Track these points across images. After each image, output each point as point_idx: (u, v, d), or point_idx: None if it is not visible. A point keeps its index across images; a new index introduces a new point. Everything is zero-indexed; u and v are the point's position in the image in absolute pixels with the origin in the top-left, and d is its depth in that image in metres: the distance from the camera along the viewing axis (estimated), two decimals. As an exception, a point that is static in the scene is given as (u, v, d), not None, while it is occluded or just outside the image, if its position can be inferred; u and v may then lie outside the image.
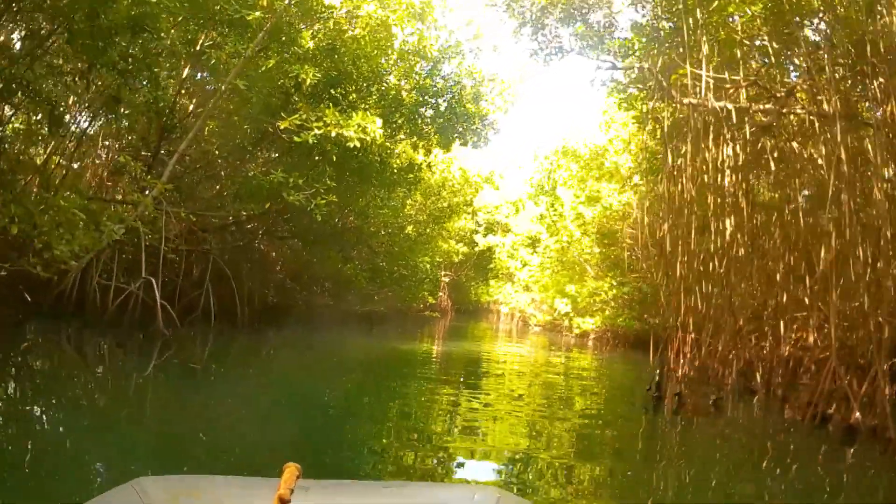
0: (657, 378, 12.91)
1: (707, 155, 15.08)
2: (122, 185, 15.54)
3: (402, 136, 20.07)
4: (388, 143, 19.03)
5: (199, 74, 18.17)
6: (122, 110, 14.77)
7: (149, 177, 14.42)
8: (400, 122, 18.64)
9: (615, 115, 29.68)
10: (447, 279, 49.35)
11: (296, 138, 13.21)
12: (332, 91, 15.43)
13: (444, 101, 19.41)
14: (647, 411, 12.23)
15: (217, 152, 17.51)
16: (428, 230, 28.06)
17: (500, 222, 49.95)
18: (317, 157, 15.54)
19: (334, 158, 14.30)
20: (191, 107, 17.64)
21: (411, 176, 20.62)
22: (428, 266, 28.51)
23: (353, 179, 17.78)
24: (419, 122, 19.26)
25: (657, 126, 19.59)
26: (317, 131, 13.15)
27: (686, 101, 14.81)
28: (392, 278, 23.76)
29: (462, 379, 15.48)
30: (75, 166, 17.86)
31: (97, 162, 18.15)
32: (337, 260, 19.84)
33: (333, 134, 13.06)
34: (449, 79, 19.32)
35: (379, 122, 13.52)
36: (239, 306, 17.73)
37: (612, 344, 28.82)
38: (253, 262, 19.94)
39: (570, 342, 30.48)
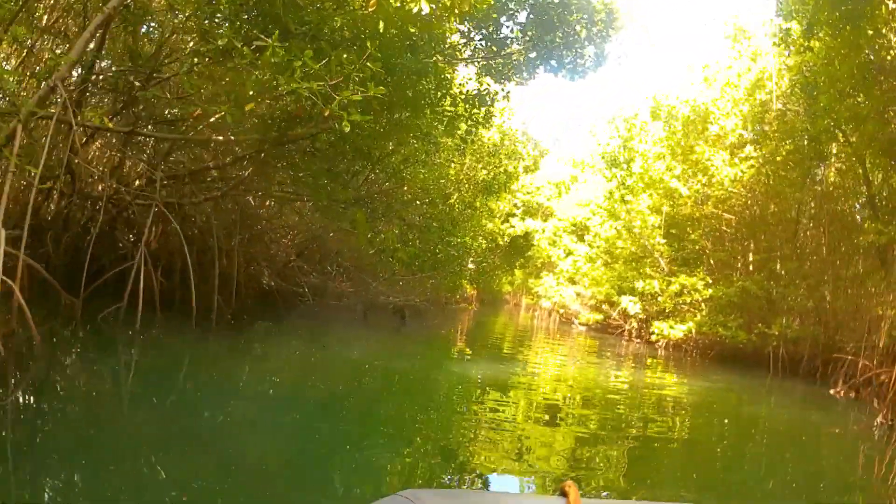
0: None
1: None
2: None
3: (469, 53, 13.47)
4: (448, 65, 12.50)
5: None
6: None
7: (60, 54, 7.78)
8: (469, 25, 12.01)
9: (718, 71, 23.11)
10: (473, 266, 43.25)
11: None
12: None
13: None
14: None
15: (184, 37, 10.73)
16: (477, 202, 21.36)
17: (541, 204, 44.01)
18: (333, 46, 8.88)
19: (368, 46, 7.48)
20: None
21: (479, 112, 13.85)
22: (483, 246, 21.83)
23: (396, 111, 10.93)
24: (500, 28, 12.61)
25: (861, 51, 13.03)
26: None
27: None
28: (435, 260, 17.06)
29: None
30: None
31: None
32: (365, 230, 12.85)
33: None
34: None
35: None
36: (195, 292, 10.43)
37: (693, 356, 22.27)
38: (236, 225, 13.11)
39: (636, 350, 24.02)
